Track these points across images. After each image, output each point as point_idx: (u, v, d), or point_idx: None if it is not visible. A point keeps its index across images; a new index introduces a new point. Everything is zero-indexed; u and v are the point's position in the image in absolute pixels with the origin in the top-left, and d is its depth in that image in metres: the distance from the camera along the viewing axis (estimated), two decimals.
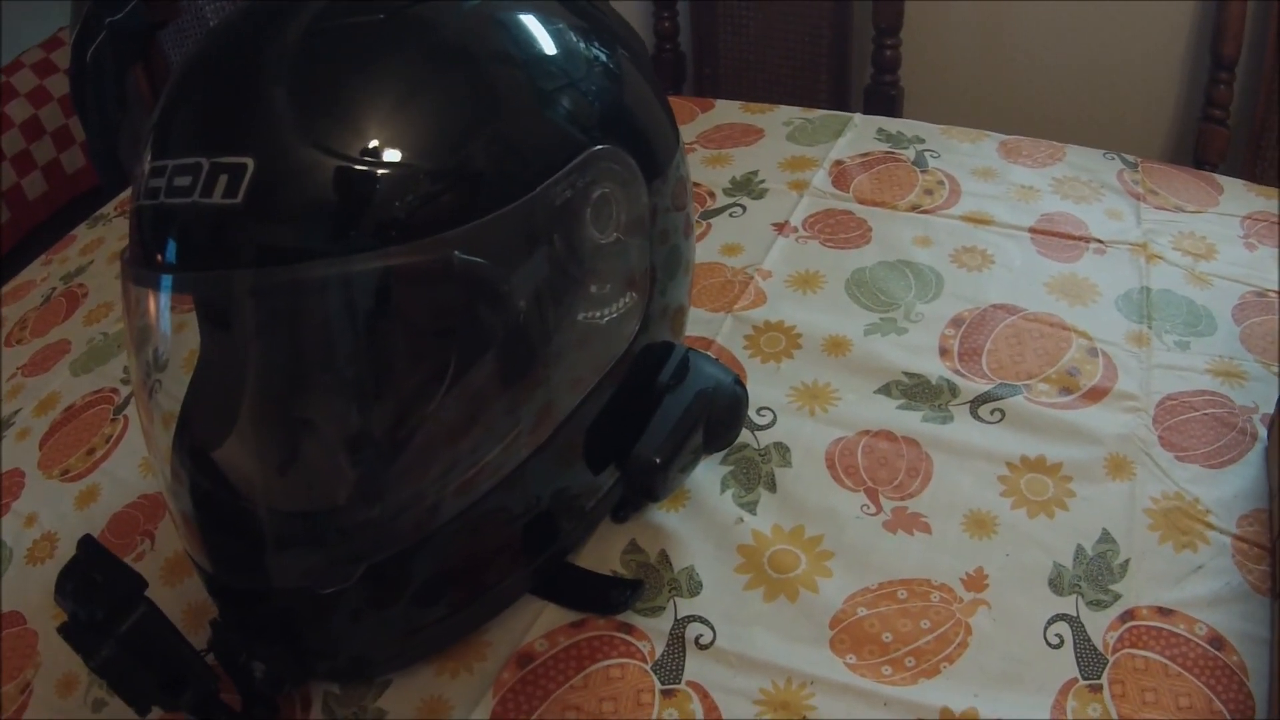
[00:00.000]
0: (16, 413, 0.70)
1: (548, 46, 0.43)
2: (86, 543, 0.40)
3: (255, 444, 0.46)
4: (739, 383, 0.51)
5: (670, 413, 0.48)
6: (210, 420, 0.46)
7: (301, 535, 0.45)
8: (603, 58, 0.45)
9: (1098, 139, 0.82)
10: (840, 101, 1.24)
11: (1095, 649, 0.46)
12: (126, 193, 1.00)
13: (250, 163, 0.37)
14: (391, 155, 0.38)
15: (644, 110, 0.48)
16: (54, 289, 0.83)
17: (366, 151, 0.38)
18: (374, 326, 0.41)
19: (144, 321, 0.44)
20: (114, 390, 0.70)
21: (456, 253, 0.38)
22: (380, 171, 0.38)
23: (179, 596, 0.53)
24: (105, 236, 0.91)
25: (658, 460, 0.46)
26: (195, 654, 0.41)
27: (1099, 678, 0.44)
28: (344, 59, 0.39)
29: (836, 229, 0.73)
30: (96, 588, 0.38)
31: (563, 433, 0.45)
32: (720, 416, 0.50)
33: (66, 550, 0.59)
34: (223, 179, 0.37)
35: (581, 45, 0.45)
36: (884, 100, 1.18)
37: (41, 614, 0.55)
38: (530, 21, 0.43)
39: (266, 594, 0.45)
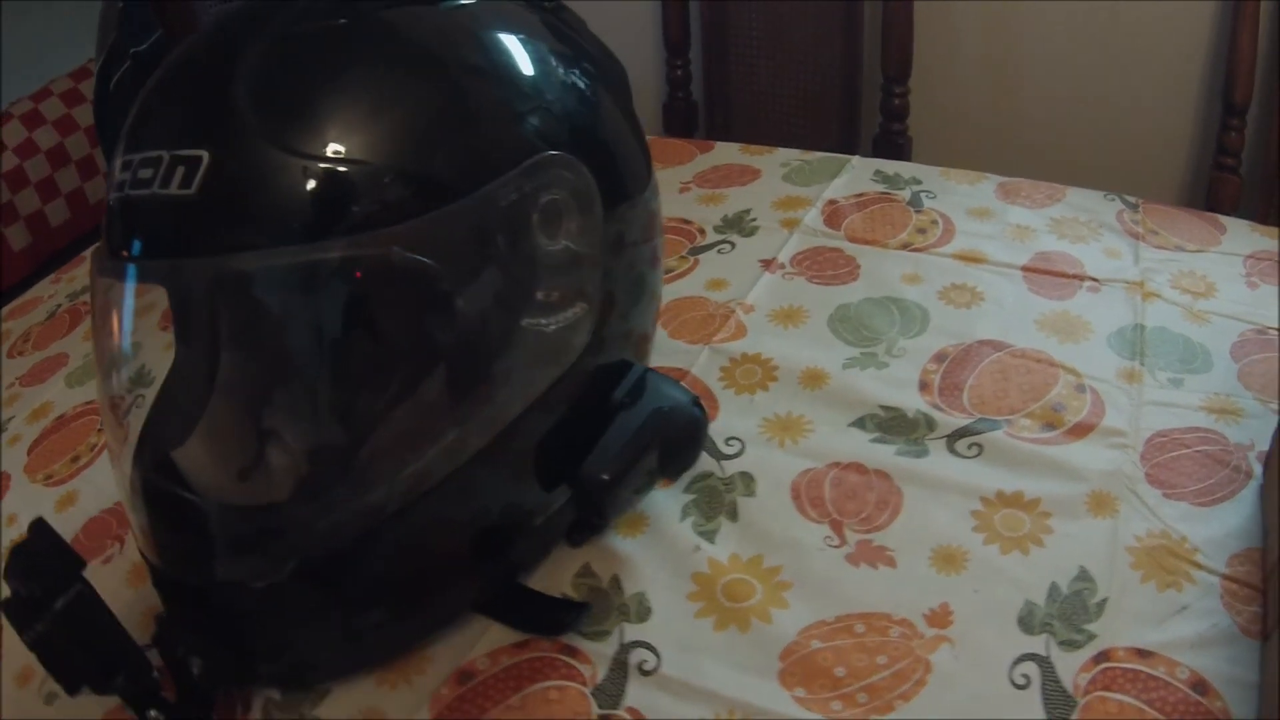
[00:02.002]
0: (10, 420, 0.71)
1: (507, 56, 0.44)
2: (37, 524, 0.41)
3: (201, 437, 0.46)
4: (698, 404, 0.50)
5: (623, 430, 0.47)
6: (159, 411, 0.46)
7: (235, 529, 0.45)
8: (564, 71, 0.46)
9: (1109, 187, 0.80)
10: (849, 150, 1.23)
11: (1064, 690, 0.43)
12: None
13: (205, 155, 0.38)
14: (337, 151, 0.39)
15: (607, 128, 0.48)
16: (59, 305, 0.85)
17: (315, 147, 0.38)
18: (312, 320, 0.41)
19: (105, 310, 0.45)
20: None
21: (396, 248, 0.39)
22: (324, 166, 0.38)
23: (141, 598, 0.53)
24: None
25: (606, 477, 0.45)
26: (129, 639, 0.40)
27: None
28: (300, 61, 0.41)
29: (824, 265, 0.72)
30: (39, 567, 0.39)
31: (508, 441, 0.44)
32: (677, 437, 0.49)
33: None
34: (180, 170, 0.38)
35: (545, 58, 0.45)
36: (893, 149, 1.18)
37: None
38: (496, 32, 0.44)
39: (207, 590, 0.44)
